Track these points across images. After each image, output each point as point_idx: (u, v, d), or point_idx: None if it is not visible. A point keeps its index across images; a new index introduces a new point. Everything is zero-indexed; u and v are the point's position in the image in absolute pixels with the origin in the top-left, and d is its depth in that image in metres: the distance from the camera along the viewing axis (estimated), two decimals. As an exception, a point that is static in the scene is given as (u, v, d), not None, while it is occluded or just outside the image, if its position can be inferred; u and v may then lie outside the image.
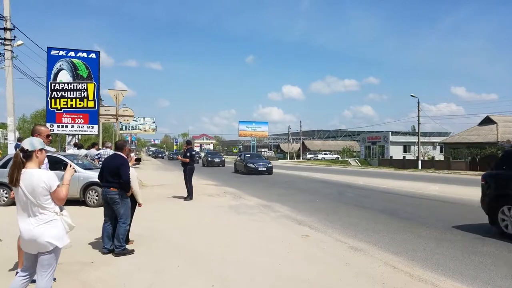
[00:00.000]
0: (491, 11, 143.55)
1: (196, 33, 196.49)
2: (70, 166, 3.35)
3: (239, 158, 27.58)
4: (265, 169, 23.62)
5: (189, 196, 11.58)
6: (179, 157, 13.24)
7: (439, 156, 47.08)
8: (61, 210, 3.13)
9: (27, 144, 3.07)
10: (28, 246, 2.99)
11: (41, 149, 3.13)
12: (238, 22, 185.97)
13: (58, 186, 3.03)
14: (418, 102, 38.76)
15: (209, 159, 34.71)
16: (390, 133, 56.68)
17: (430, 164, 37.77)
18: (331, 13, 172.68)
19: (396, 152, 51.77)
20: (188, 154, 11.97)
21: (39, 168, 3.12)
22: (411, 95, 38.67)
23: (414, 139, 50.16)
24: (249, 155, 27.06)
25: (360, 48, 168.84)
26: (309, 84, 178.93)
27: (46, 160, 4.56)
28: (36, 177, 2.97)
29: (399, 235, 7.06)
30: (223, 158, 35.84)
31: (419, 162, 37.50)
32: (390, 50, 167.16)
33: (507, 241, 6.44)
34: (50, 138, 4.44)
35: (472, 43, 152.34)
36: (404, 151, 54.09)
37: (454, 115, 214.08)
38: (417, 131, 41.96)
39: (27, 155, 3.04)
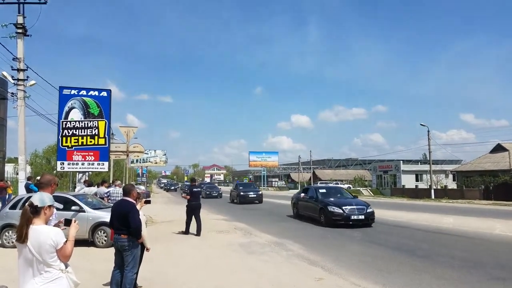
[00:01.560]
0: (499, 41, 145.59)
1: (205, 67, 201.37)
2: (75, 222, 3.31)
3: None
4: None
5: (186, 231, 11.95)
6: (183, 194, 13.90)
7: (452, 185, 46.18)
8: (66, 266, 3.07)
9: (36, 200, 3.05)
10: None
11: (50, 206, 3.12)
12: (247, 56, 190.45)
13: (65, 243, 2.99)
14: (428, 131, 38.49)
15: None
16: (402, 161, 56.02)
17: (443, 193, 37.01)
18: (339, 45, 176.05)
19: (408, 181, 50.98)
20: (188, 191, 12.73)
21: (47, 223, 3.09)
22: (421, 124, 38.43)
23: (426, 167, 49.43)
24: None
25: (368, 78, 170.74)
26: (317, 113, 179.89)
27: (55, 211, 4.55)
28: (44, 234, 2.93)
29: (416, 275, 6.78)
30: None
31: (432, 191, 36.78)
32: (398, 80, 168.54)
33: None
34: (56, 186, 4.44)
35: (480, 71, 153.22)
36: (416, 180, 53.23)
37: (465, 143, 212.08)
38: (428, 159, 41.42)
39: (36, 211, 3.02)
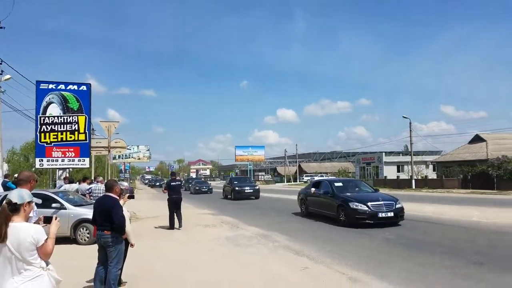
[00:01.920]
0: (479, 34, 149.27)
1: (190, 61, 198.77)
2: (56, 219, 3.22)
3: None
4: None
5: (171, 226, 11.91)
6: (163, 189, 13.63)
7: (432, 175, 47.23)
8: (47, 264, 3.00)
9: (15, 197, 2.95)
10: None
11: (29, 202, 3.03)
12: (233, 50, 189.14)
13: (45, 240, 2.91)
14: (410, 123, 39.29)
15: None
16: (384, 153, 56.99)
17: (424, 183, 37.92)
18: (325, 40, 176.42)
19: (390, 172, 51.87)
20: (166, 185, 12.86)
21: (27, 220, 3.01)
22: (403, 117, 39.27)
23: (407, 158, 50.43)
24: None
25: (353, 72, 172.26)
26: (304, 107, 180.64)
27: (35, 207, 4.43)
28: (23, 231, 2.84)
29: (396, 262, 6.93)
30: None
31: (413, 181, 37.72)
32: (381, 73, 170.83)
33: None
34: (35, 183, 4.32)
35: (460, 63, 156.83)
36: (398, 171, 54.22)
37: (445, 134, 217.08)
38: (410, 150, 42.29)
39: (15, 208, 2.93)
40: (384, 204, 11.33)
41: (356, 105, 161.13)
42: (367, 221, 11.02)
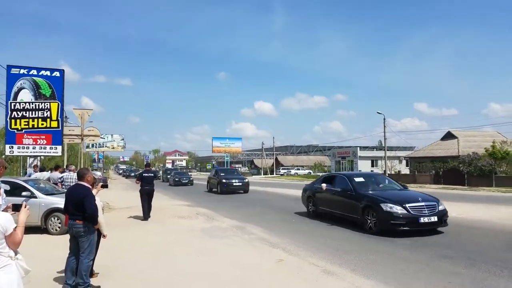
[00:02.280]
0: (452, 33, 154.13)
1: (167, 51, 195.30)
2: (25, 207, 3.12)
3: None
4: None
5: (145, 217, 11.90)
6: (136, 180, 13.68)
7: (405, 170, 48.63)
8: (16, 254, 2.90)
9: None
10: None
11: None
12: (211, 42, 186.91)
13: (14, 229, 2.81)
14: (384, 119, 40.24)
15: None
16: (359, 148, 58.29)
17: (397, 177, 38.75)
18: (303, 34, 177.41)
19: (364, 167, 53.07)
20: (139, 176, 13.04)
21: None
22: (378, 112, 40.20)
23: (381, 153, 51.66)
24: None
25: (330, 67, 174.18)
26: (281, 100, 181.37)
27: (4, 195, 4.26)
28: (-10, 219, 2.74)
29: (369, 256, 7.09)
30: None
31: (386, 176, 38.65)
32: (357, 70, 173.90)
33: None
34: (4, 169, 4.16)
35: (434, 62, 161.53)
36: (372, 166, 55.59)
37: (418, 131, 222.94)
38: (383, 145, 43.30)
39: None
40: (426, 206, 9.08)
41: (332, 100, 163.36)
42: (406, 228, 8.75)
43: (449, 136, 40.58)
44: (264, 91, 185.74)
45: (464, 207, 14.45)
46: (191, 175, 38.80)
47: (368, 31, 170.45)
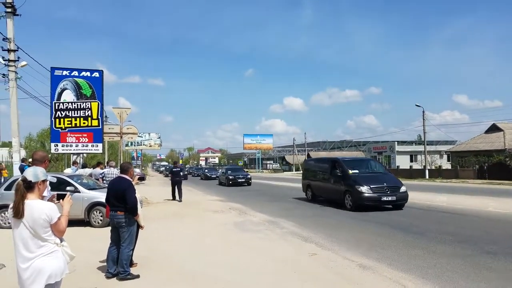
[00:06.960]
0: (494, 20, 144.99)
1: (197, 50, 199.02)
2: (69, 197, 3.29)
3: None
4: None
5: (173, 198, 16.05)
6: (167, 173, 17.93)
7: (447, 165, 46.63)
8: (61, 241, 3.07)
9: (30, 175, 3.02)
10: (27, 282, 2.89)
11: (43, 180, 3.09)
12: (239, 39, 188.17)
13: (59, 218, 2.98)
14: (424, 111, 38.59)
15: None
16: (396, 142, 56.39)
17: (437, 173, 37.38)
18: (331, 27, 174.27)
19: (402, 162, 51.42)
20: (169, 170, 18.18)
21: (41, 198, 3.08)
22: (416, 105, 38.52)
23: (420, 148, 49.79)
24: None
25: (362, 60, 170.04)
26: (311, 95, 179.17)
27: (49, 187, 4.52)
28: (37, 209, 2.91)
29: (408, 250, 6.89)
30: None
31: (426, 171, 37.13)
32: (391, 61, 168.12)
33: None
34: (48, 163, 4.40)
35: (474, 52, 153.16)
36: (411, 161, 53.74)
37: (459, 123, 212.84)
38: (423, 140, 41.68)
39: (30, 186, 2.99)
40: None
41: (366, 94, 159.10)
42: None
43: (494, 129, 38.43)
44: (293, 87, 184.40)
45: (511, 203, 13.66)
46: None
47: (402, 21, 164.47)
